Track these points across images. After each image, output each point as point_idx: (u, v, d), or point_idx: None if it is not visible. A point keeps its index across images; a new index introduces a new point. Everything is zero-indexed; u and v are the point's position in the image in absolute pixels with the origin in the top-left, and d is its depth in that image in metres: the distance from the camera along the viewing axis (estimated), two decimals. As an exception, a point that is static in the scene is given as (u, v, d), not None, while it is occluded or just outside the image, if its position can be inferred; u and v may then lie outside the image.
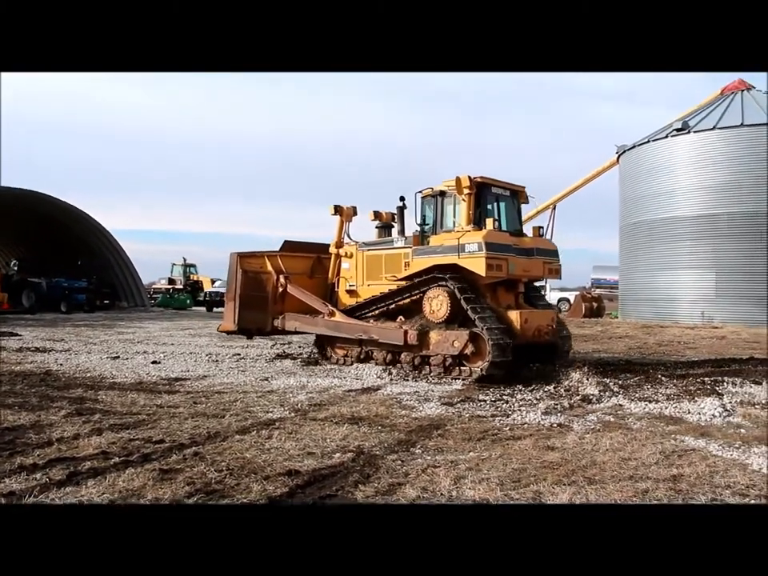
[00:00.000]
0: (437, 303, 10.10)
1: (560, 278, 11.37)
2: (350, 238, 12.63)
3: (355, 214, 12.71)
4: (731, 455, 5.52)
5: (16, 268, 30.97)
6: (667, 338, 18.46)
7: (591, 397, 8.24)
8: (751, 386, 9.21)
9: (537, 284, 11.95)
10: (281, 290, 12.44)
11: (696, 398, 8.15)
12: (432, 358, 10.10)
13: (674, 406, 7.73)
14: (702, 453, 5.57)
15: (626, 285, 29.56)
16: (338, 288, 12.54)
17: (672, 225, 25.71)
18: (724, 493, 4.50)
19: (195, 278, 42.03)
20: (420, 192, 10.85)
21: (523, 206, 11.29)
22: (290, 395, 8.42)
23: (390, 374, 10.35)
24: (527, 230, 11.18)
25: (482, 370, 9.36)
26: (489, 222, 9.94)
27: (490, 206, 10.52)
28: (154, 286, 43.79)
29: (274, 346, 15.21)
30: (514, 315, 9.88)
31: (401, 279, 10.98)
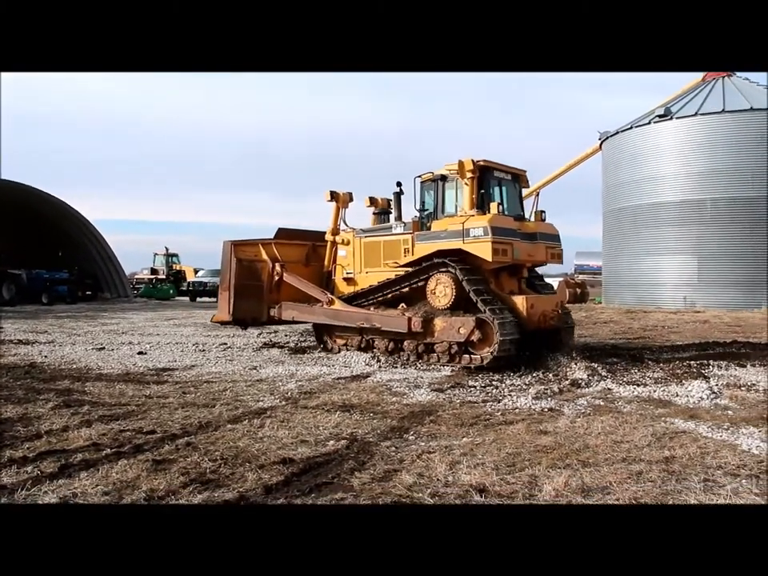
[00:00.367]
0: (441, 289, 9.91)
1: (561, 263, 11.29)
2: (347, 225, 12.34)
3: (351, 200, 12.46)
4: (721, 436, 5.58)
5: (-5, 260, 30.47)
6: (651, 322, 18.64)
7: (580, 381, 8.30)
8: (736, 369, 9.35)
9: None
10: (276, 278, 12.14)
11: (683, 381, 8.24)
12: (437, 345, 9.87)
13: (662, 389, 7.81)
14: (692, 435, 5.63)
15: (609, 270, 29.80)
16: (334, 276, 12.29)
17: (655, 211, 25.92)
18: (716, 473, 4.55)
19: (178, 268, 41.71)
20: (419, 177, 10.68)
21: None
22: (280, 384, 8.39)
23: (379, 361, 10.34)
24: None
25: (492, 353, 9.12)
26: (493, 206, 9.76)
27: (492, 190, 10.36)
28: (136, 276, 43.36)
29: (260, 334, 15.11)
30: (519, 301, 9.73)
31: (403, 266, 10.77)
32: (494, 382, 8.58)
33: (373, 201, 12.34)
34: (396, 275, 10.79)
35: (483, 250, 9.50)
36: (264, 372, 9.42)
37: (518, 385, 8.39)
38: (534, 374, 9.03)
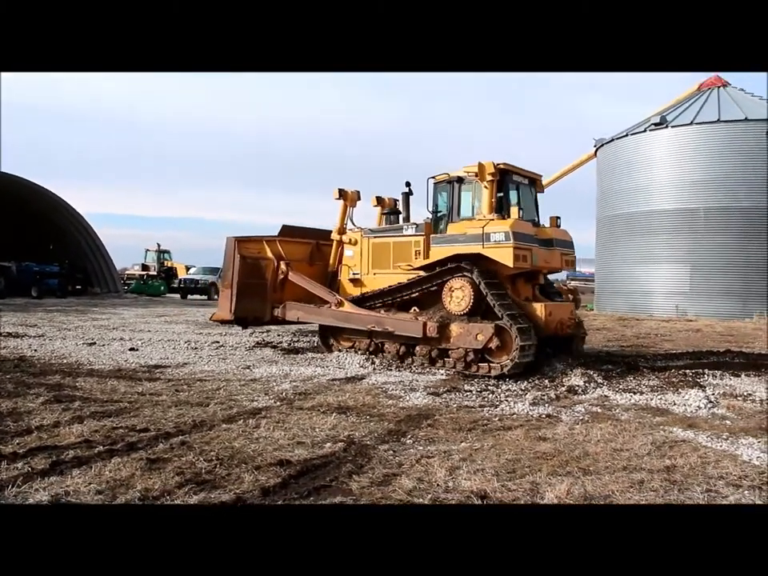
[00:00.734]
0: (459, 294, 9.62)
1: (574, 270, 11.19)
2: (354, 224, 12.01)
3: (359, 198, 12.16)
4: (720, 446, 5.55)
5: (-16, 252, 30.15)
6: (644, 330, 18.65)
7: (577, 388, 8.26)
8: (731, 378, 9.33)
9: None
10: (281, 277, 11.78)
11: (680, 390, 8.22)
12: (452, 351, 9.55)
13: (659, 397, 7.78)
14: (692, 444, 5.59)
15: (602, 277, 29.85)
16: (340, 276, 11.99)
17: (649, 218, 25.98)
18: (718, 484, 4.51)
19: (169, 265, 41.47)
20: (433, 178, 10.47)
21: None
22: (274, 384, 8.30)
23: (373, 363, 10.25)
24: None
25: (512, 360, 8.87)
26: (513, 210, 9.59)
27: (510, 194, 10.14)
28: (127, 272, 43.09)
29: (252, 333, 14.99)
30: (539, 308, 9.57)
31: (418, 268, 10.44)
32: (489, 387, 8.52)
33: (380, 200, 12.11)
34: (408, 278, 10.48)
35: (504, 255, 9.25)
36: (257, 371, 9.33)
37: (514, 390, 8.34)
38: (530, 380, 8.98)
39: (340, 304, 11.10)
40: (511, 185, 10.14)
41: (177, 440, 5.27)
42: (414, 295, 10.43)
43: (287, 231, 12.26)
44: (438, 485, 4.35)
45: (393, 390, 8.11)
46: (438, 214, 10.51)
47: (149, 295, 35.69)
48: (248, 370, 9.44)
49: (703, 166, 24.58)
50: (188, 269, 41.14)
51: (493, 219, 9.54)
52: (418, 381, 8.87)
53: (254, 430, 5.72)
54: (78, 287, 31.77)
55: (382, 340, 10.61)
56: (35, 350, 10.68)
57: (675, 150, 25.32)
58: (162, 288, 37.30)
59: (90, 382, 7.94)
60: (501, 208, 9.76)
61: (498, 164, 9.66)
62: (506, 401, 7.56)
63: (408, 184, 11.50)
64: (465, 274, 9.65)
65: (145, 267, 40.87)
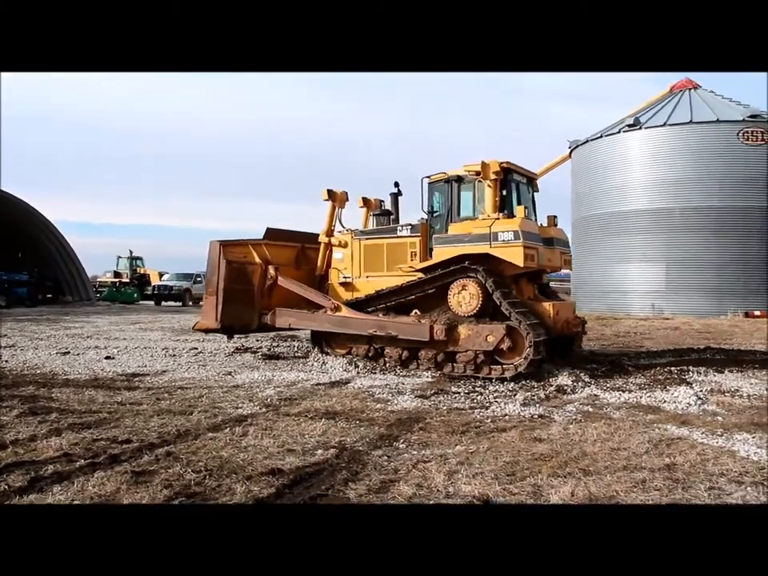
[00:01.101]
0: (466, 295, 9.35)
1: (570, 269, 11.06)
2: (343, 226, 11.66)
3: (347, 199, 11.82)
4: (717, 443, 5.50)
5: (-50, 261, 29.33)
6: (623, 329, 18.77)
7: (565, 387, 8.18)
8: (715, 375, 9.37)
9: None
10: (270, 282, 11.24)
11: (668, 387, 8.21)
12: (460, 354, 9.24)
13: (648, 395, 7.74)
14: (688, 441, 5.52)
15: (578, 277, 30.03)
16: (330, 280, 11.54)
17: (624, 218, 26.24)
18: (720, 481, 4.44)
19: (142, 272, 40.82)
20: (427, 177, 10.24)
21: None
22: (257, 390, 8.09)
23: (357, 366, 10.07)
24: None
25: (526, 358, 8.66)
26: (519, 209, 9.44)
27: (511, 193, 9.97)
28: (98, 280, 42.31)
29: (230, 340, 14.69)
30: (547, 307, 9.45)
31: (420, 270, 10.09)
32: (477, 389, 8.41)
33: (366, 201, 11.83)
34: (409, 280, 10.14)
35: (514, 254, 9.05)
36: (239, 378, 9.10)
37: (502, 391, 8.24)
38: (517, 381, 8.89)
39: (337, 309, 10.64)
40: (512, 183, 9.98)
41: (162, 451, 5.04)
42: (412, 298, 10.12)
43: (272, 234, 11.75)
44: (437, 490, 4.20)
45: (380, 393, 7.96)
46: (435, 214, 10.29)
47: (122, 302, 35.06)
48: (230, 377, 9.21)
49: (677, 167, 24.91)
50: (161, 275, 40.63)
51: (498, 218, 9.34)
52: (404, 383, 8.72)
53: (242, 438, 5.51)
54: (48, 296, 31.13)
55: (382, 345, 10.21)
56: (6, 361, 10.31)
57: (649, 151, 25.62)
58: (135, 295, 36.70)
59: (66, 392, 7.65)
60: (503, 207, 9.60)
61: (501, 162, 9.48)
62: (496, 402, 7.45)
63: (397, 184, 11.31)
64: (471, 274, 9.40)
65: (117, 274, 40.17)
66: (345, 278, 11.28)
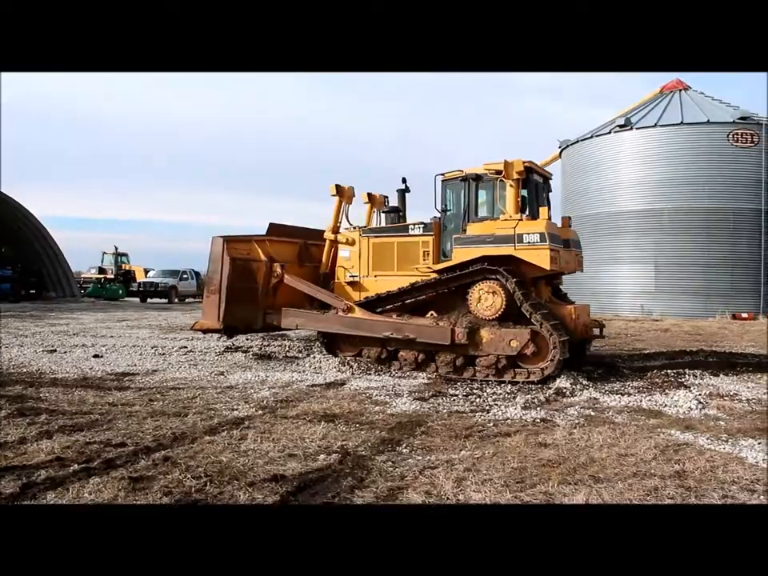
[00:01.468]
0: (488, 298, 9.07)
1: (582, 271, 10.85)
2: (350, 223, 11.28)
3: (354, 195, 11.46)
4: (724, 449, 5.42)
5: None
6: (613, 330, 18.71)
7: (564, 390, 8.10)
8: (711, 378, 9.34)
9: None
10: (275, 280, 10.78)
11: (666, 391, 8.16)
12: (481, 358, 9.05)
13: (647, 398, 7.68)
14: (695, 447, 5.45)
15: (567, 278, 30.01)
16: (337, 279, 11.06)
17: (614, 219, 26.24)
18: (732, 489, 4.36)
19: (127, 268, 40.32)
20: (441, 175, 9.96)
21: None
22: (252, 391, 7.93)
23: (351, 367, 9.93)
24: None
25: (552, 359, 8.54)
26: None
27: (530, 194, 9.71)
28: (83, 276, 41.72)
29: (220, 338, 14.48)
30: (568, 311, 9.31)
31: (441, 270, 9.72)
32: (475, 391, 8.31)
33: (371, 197, 11.55)
34: (424, 280, 9.77)
35: (540, 257, 8.80)
36: (232, 378, 8.92)
37: (501, 394, 8.14)
38: (515, 383, 8.80)
39: (350, 310, 10.20)
40: (531, 183, 9.72)
41: (159, 455, 4.88)
42: (426, 298, 9.82)
43: (275, 230, 11.25)
44: (447, 498, 4.08)
45: (377, 395, 7.83)
46: (448, 213, 10.06)
47: (106, 299, 34.61)
48: (222, 377, 9.04)
49: (667, 168, 24.95)
50: (147, 272, 40.18)
51: (521, 220, 9.13)
52: (400, 385, 8.60)
53: (240, 442, 5.36)
54: (31, 291, 30.63)
55: (396, 347, 9.87)
56: (-9, 359, 10.05)
57: (640, 152, 25.64)
58: (121, 291, 36.22)
59: (55, 392, 7.44)
60: (524, 208, 9.41)
61: (524, 162, 9.27)
62: (496, 405, 7.34)
63: (404, 180, 10.99)
64: (496, 276, 9.14)
65: (102, 270, 39.59)
66: (352, 276, 10.84)
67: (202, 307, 11.11)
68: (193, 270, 38.47)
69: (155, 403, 6.97)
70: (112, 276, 38.50)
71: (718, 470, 4.77)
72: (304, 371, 9.74)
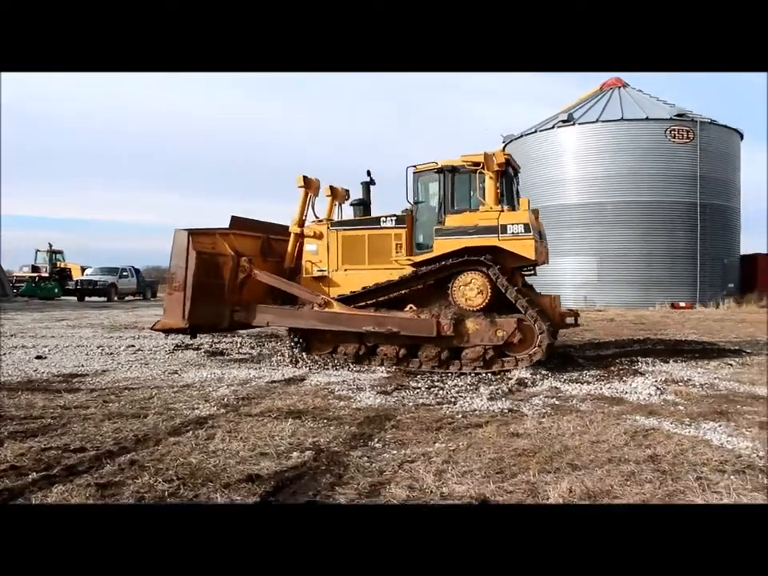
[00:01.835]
0: (473, 289, 9.05)
1: (548, 263, 10.93)
2: (316, 216, 10.97)
3: (320, 188, 11.13)
4: (689, 432, 5.56)
5: None
6: (561, 320, 19.13)
7: (526, 380, 8.17)
8: (662, 365, 9.62)
9: None
10: (243, 275, 10.25)
11: (624, 378, 8.35)
12: (468, 350, 8.99)
13: (607, 386, 7.83)
14: (662, 431, 5.56)
15: (512, 270, 30.55)
16: (304, 273, 10.62)
17: (558, 212, 26.79)
18: (704, 470, 4.45)
19: (63, 266, 38.78)
20: (413, 167, 9.83)
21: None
22: (210, 389, 7.68)
23: (305, 361, 9.74)
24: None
25: (539, 345, 8.57)
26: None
27: (505, 186, 9.70)
28: (15, 274, 39.84)
29: (168, 336, 14.02)
30: (547, 300, 9.44)
31: (420, 263, 9.54)
32: (436, 383, 8.29)
33: (333, 190, 11.26)
34: (409, 273, 9.54)
35: (525, 247, 8.85)
36: (187, 376, 8.63)
37: (462, 385, 8.15)
38: (474, 374, 8.84)
39: (327, 304, 9.85)
40: (507, 176, 9.76)
41: (124, 459, 4.62)
42: (405, 292, 9.60)
43: (239, 223, 10.67)
44: (431, 492, 4.01)
45: (339, 390, 7.71)
46: (421, 205, 9.96)
47: (41, 298, 33.12)
48: (176, 375, 8.73)
49: (608, 162, 25.68)
50: (83, 269, 38.69)
51: (503, 211, 9.12)
52: (361, 379, 8.51)
53: (208, 442, 5.16)
54: (-41, 292, 29.02)
55: (376, 342, 9.64)
56: (-77, 363, 9.43)
57: (582, 146, 26.29)
58: (56, 290, 34.73)
59: (-1, 396, 7.01)
60: (502, 199, 9.41)
61: (504, 154, 9.28)
62: (461, 396, 7.34)
63: (369, 173, 10.84)
64: (479, 267, 9.08)
65: (35, 269, 37.95)
66: (320, 270, 10.51)
67: (164, 305, 10.46)
68: (133, 267, 37.31)
69: (111, 405, 6.65)
70: (47, 274, 36.97)
71: (687, 453, 4.88)
72: (261, 368, 9.51)
